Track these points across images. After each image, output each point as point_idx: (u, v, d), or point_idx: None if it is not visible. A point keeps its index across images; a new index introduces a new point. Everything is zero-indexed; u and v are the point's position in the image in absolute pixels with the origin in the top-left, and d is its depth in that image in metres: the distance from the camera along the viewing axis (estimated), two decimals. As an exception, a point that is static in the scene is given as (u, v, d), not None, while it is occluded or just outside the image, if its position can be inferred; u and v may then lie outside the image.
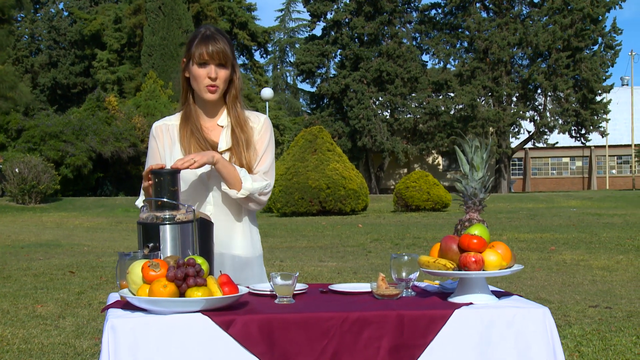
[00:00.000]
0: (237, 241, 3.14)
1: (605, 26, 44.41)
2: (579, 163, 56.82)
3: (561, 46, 43.07)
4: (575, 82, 43.93)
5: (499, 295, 2.66)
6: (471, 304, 2.51)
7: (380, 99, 44.63)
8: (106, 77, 51.57)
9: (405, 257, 2.72)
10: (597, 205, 26.66)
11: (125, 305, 2.51)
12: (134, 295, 2.45)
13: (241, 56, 58.32)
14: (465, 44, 45.62)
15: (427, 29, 45.95)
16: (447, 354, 2.44)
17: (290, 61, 62.17)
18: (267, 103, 32.05)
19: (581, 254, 12.05)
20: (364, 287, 2.84)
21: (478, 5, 45.29)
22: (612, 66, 45.17)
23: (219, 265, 3.03)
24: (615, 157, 57.04)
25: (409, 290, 2.73)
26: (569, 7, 43.09)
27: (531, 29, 43.21)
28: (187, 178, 3.08)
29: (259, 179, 3.08)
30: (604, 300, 7.95)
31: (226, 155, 3.10)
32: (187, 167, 2.84)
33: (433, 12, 46.74)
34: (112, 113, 35.79)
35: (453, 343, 2.44)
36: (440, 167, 51.36)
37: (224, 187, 3.04)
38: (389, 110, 45.59)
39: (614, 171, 57.57)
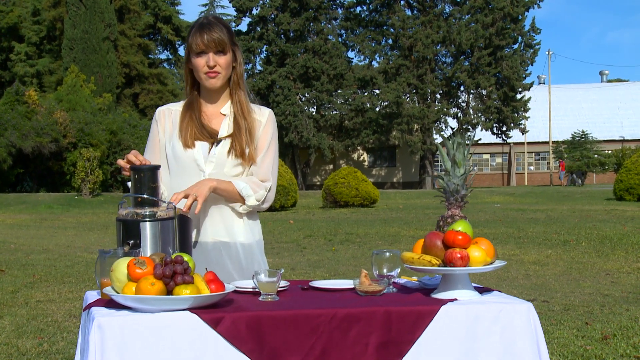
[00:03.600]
0: (239, 228, 3.11)
1: (525, 25, 45.47)
2: (498, 159, 58.10)
3: (483, 44, 43.90)
4: (497, 80, 44.86)
5: (479, 291, 2.69)
6: (455, 299, 2.54)
7: (306, 95, 44.72)
8: (25, 70, 50.19)
9: (387, 254, 2.73)
10: (519, 201, 27.28)
11: (108, 303, 2.45)
12: (118, 293, 2.40)
13: (165, 51, 57.65)
14: (390, 42, 46.07)
15: (352, 25, 46.24)
16: (434, 350, 2.45)
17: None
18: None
19: (512, 249, 12.31)
20: (346, 283, 2.84)
21: (402, 3, 45.78)
22: (532, 64, 46.22)
23: (221, 255, 3.04)
24: (534, 154, 58.53)
25: (391, 286, 2.74)
26: (490, 6, 43.95)
27: (454, 27, 43.91)
28: (184, 167, 3.07)
29: (258, 189, 3.08)
30: (540, 294, 8.13)
31: (227, 142, 3.08)
32: (189, 207, 2.84)
33: (358, 9, 47.10)
34: (32, 107, 34.85)
35: (440, 339, 2.45)
36: (366, 163, 51.78)
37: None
38: (315, 107, 45.72)
39: (532, 167, 59.10)
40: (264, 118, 3.16)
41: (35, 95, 35.92)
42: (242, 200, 3.05)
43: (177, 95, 51.20)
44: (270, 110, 3.21)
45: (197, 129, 3.08)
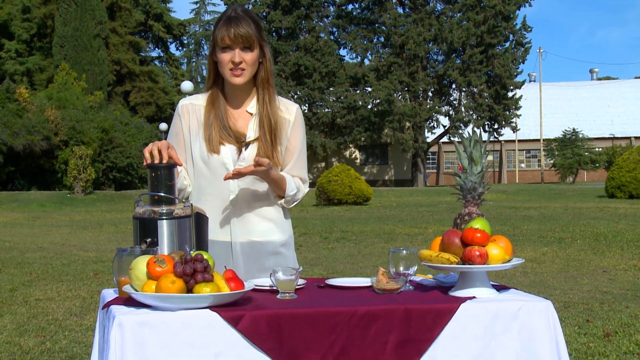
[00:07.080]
0: (273, 227, 3.08)
1: (516, 23, 45.55)
2: (489, 157, 58.17)
3: (475, 42, 43.95)
4: (488, 77, 44.92)
5: (497, 289, 2.69)
6: (474, 297, 2.54)
7: (298, 92, 44.69)
8: (15, 68, 49.96)
9: (404, 252, 2.72)
10: (511, 199, 27.32)
11: (127, 301, 2.44)
12: (138, 291, 2.39)
13: (156, 48, 57.53)
14: (382, 39, 46.09)
15: (344, 23, 46.23)
16: (453, 347, 2.45)
17: (205, 54, 61.54)
18: (186, 97, 31.66)
19: (507, 246, 12.31)
20: (362, 281, 2.83)
21: (394, 1, 45.79)
22: (523, 63, 46.30)
23: (249, 254, 3.01)
24: (524, 152, 58.67)
25: (407, 284, 2.74)
26: (482, 4, 44.01)
27: (446, 25, 43.94)
28: (212, 169, 3.00)
29: (300, 195, 3.10)
30: (539, 291, 8.15)
31: (254, 146, 3.00)
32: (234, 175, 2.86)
33: (350, 6, 47.06)
34: (23, 105, 34.69)
35: (459, 336, 2.45)
36: (358, 160, 51.80)
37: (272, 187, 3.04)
38: (307, 104, 45.70)
39: (523, 165, 59.25)
40: (291, 116, 3.08)
41: (26, 93, 35.76)
42: (281, 195, 3.03)
43: (169, 93, 51.08)
44: (297, 106, 3.13)
45: (222, 131, 2.98)
